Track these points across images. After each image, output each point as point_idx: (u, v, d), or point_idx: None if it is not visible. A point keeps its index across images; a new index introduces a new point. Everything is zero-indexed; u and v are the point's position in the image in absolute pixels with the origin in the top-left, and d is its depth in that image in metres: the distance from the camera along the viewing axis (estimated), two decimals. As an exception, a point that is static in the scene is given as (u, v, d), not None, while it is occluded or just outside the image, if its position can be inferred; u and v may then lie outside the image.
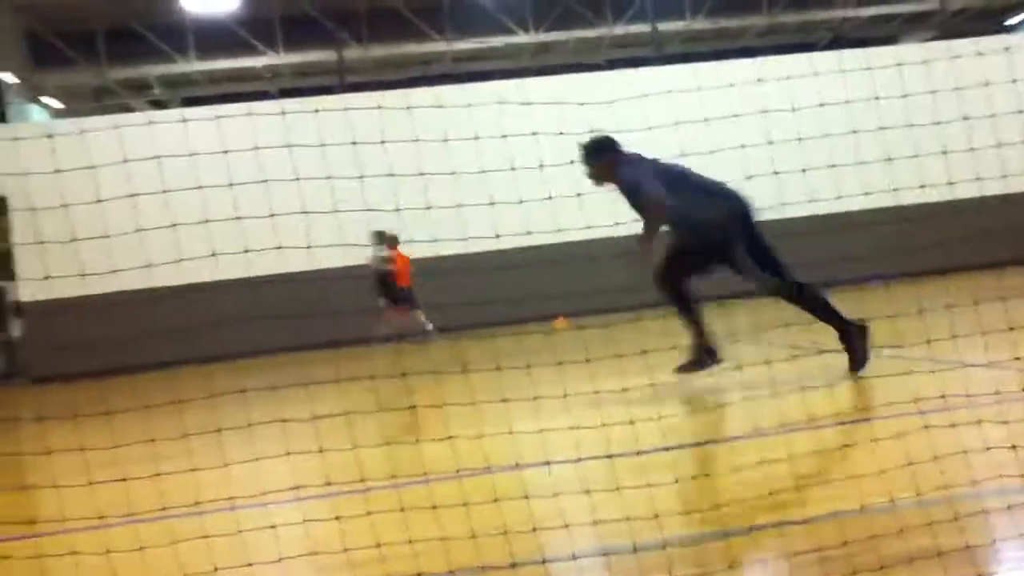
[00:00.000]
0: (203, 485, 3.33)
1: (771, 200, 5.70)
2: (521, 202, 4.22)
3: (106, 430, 3.30)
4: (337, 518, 2.79)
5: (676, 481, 3.02)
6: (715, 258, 5.16)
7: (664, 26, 22.43)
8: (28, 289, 15.37)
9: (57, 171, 4.29)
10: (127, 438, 3.31)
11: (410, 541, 2.45)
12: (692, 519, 2.67)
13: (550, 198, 4.87)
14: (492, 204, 4.79)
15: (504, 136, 5.02)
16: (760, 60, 17.22)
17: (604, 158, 5.30)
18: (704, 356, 5.14)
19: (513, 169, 4.94)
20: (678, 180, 5.18)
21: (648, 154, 5.41)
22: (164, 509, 3.17)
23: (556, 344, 6.29)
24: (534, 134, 5.11)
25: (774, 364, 4.05)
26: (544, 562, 2.40)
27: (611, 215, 6.35)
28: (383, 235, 13.50)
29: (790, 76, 8.34)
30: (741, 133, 5.32)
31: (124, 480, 3.10)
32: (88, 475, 3.52)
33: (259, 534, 2.83)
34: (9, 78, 20.91)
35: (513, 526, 2.49)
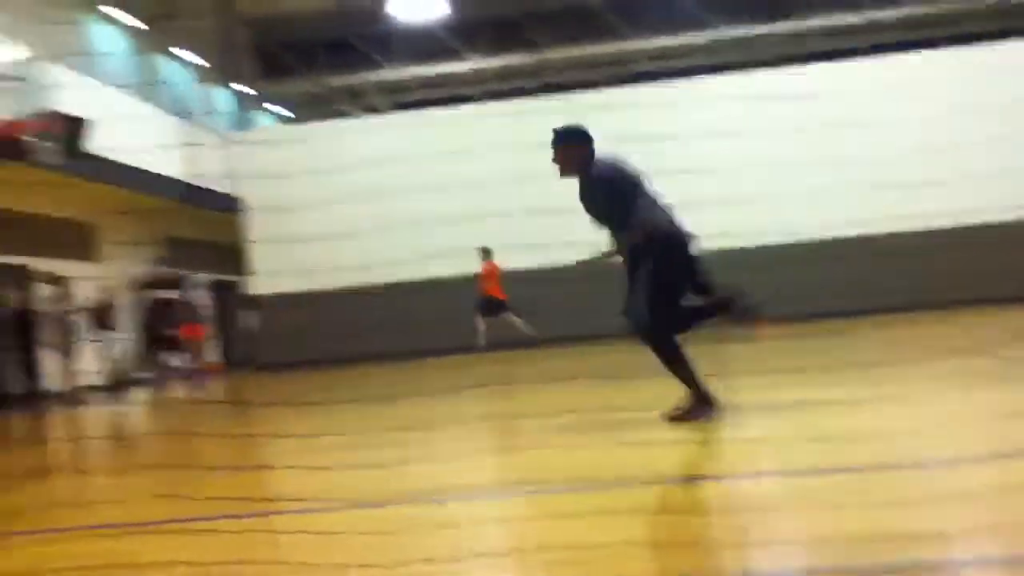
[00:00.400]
0: (434, 475, 3.45)
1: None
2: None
3: (329, 416, 3.49)
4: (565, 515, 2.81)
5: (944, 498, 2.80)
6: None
7: (879, 15, 21.13)
8: (257, 283, 16.74)
9: (303, 171, 4.56)
10: (344, 426, 3.48)
11: (699, 543, 2.42)
12: (930, 543, 2.46)
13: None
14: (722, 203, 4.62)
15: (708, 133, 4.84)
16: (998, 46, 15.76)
17: (582, 143, 4.70)
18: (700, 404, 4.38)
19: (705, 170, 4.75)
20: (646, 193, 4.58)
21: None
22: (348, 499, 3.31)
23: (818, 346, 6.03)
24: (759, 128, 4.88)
25: None
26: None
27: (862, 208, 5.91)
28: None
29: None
30: (979, 128, 4.86)
31: (344, 468, 3.28)
32: (313, 459, 3.75)
33: (486, 525, 2.91)
34: (243, 89, 22.87)
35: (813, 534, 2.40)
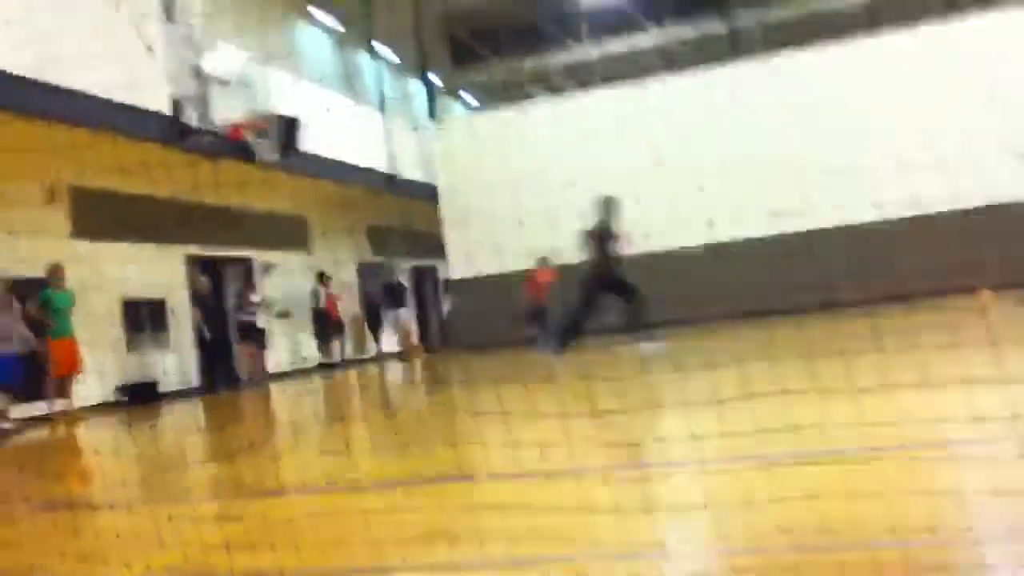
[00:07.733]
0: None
1: None
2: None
3: (522, 393, 3.57)
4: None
5: None
6: None
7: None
8: (454, 268, 17.31)
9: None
10: (531, 403, 3.55)
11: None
12: None
13: None
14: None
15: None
16: None
17: None
18: None
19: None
20: None
21: None
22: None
23: None
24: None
25: None
26: None
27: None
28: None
29: None
30: None
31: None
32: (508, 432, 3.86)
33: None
34: (435, 79, 23.68)
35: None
